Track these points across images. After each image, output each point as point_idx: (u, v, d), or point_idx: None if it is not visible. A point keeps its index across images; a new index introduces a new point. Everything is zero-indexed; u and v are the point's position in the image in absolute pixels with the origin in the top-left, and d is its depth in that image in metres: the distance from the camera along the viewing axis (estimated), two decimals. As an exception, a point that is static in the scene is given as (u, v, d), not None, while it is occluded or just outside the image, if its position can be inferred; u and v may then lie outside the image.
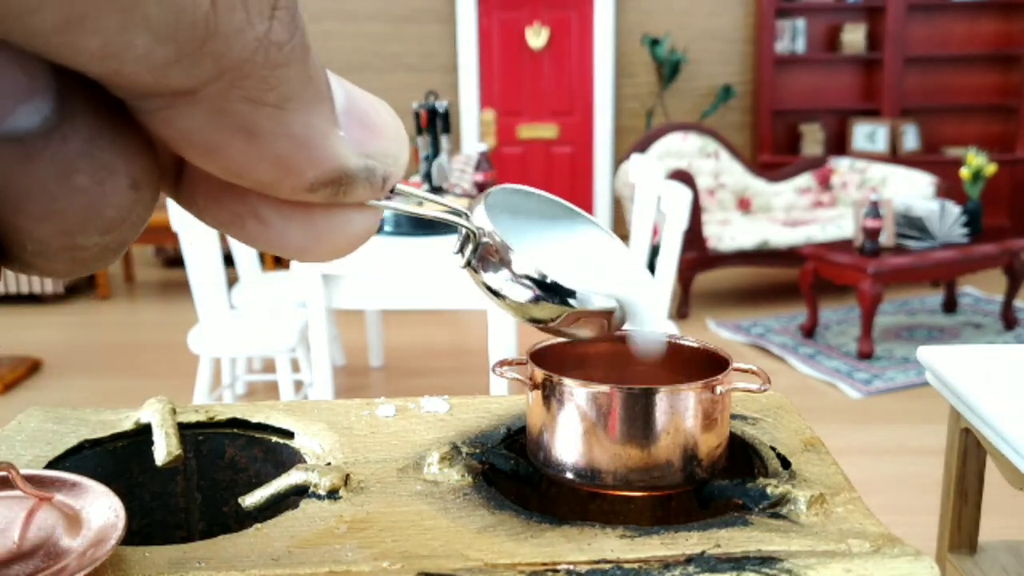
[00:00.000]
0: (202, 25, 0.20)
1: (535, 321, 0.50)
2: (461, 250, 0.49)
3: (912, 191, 5.11)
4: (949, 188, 5.09)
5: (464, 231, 0.48)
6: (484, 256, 0.49)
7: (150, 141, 0.25)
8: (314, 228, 0.27)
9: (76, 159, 0.23)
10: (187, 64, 0.21)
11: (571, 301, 0.49)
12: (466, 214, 0.48)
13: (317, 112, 0.24)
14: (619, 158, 6.59)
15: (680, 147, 5.44)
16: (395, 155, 0.28)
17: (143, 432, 0.98)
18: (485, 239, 0.48)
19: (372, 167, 0.27)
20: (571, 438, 0.83)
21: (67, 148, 0.23)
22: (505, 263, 0.48)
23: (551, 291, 0.48)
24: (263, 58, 0.22)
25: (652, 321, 0.57)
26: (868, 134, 6.37)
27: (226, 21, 0.21)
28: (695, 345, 0.93)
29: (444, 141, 3.24)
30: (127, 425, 0.99)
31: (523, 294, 0.47)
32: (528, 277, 0.47)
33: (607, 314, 0.51)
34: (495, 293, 0.49)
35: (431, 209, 0.45)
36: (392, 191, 0.30)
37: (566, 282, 0.48)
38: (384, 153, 0.27)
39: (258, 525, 0.77)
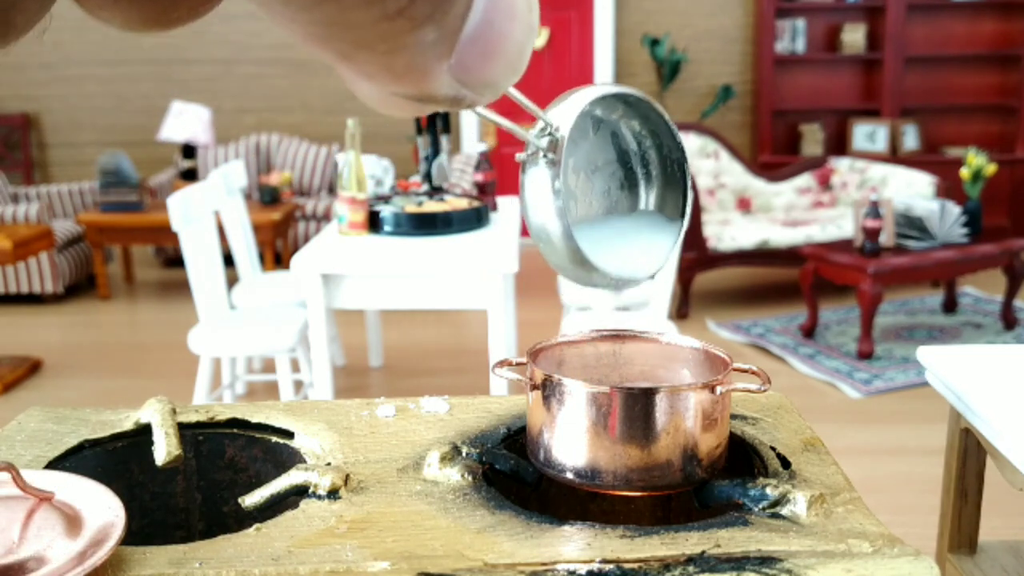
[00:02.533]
0: None
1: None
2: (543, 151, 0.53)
3: (912, 191, 5.11)
4: (949, 188, 5.09)
5: (546, 134, 0.52)
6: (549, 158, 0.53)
7: None
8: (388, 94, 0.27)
9: None
10: None
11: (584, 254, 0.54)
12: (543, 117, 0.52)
13: (436, 36, 0.24)
14: (619, 158, 6.57)
15: (680, 147, 5.44)
16: (495, 86, 0.27)
17: (143, 432, 0.98)
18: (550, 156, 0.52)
19: (461, 97, 0.26)
20: (571, 438, 0.82)
21: None
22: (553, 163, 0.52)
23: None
24: None
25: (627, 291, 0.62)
26: (868, 134, 6.37)
27: None
28: (695, 345, 0.93)
29: (444, 141, 3.24)
30: (127, 425, 0.99)
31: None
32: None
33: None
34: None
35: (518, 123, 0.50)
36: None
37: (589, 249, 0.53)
38: (485, 84, 0.27)
39: (258, 525, 0.77)
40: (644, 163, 0.60)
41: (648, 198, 0.61)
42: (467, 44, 0.25)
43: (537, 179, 0.52)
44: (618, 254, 0.57)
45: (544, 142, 0.51)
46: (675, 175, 0.60)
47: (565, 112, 0.53)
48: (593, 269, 0.54)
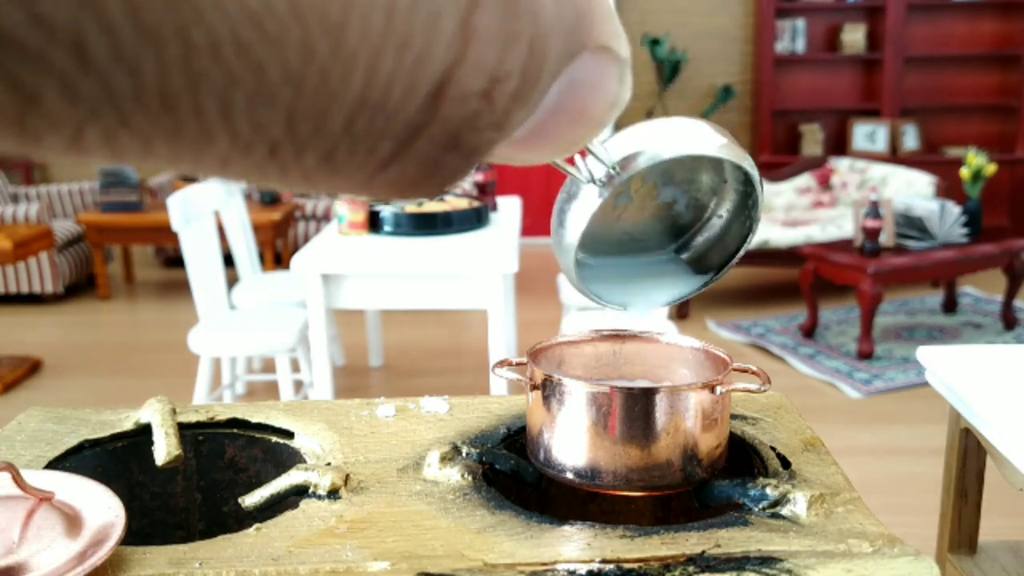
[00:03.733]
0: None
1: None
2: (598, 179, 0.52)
3: (912, 191, 5.11)
4: (949, 188, 5.09)
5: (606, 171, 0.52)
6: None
7: None
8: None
9: None
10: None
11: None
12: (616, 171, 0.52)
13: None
14: (619, 158, 6.57)
15: (680, 147, 5.44)
16: (580, 143, 0.27)
17: (143, 432, 0.98)
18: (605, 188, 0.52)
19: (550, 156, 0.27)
20: (571, 438, 0.82)
21: None
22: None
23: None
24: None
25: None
26: (868, 134, 6.37)
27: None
28: (695, 345, 0.93)
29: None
30: (127, 425, 0.99)
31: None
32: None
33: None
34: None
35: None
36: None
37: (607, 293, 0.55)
38: (572, 144, 0.26)
39: (258, 525, 0.77)
40: (705, 217, 0.60)
41: (690, 246, 0.61)
42: (551, 113, 0.24)
43: (578, 195, 0.51)
44: (626, 288, 0.58)
45: (599, 172, 0.50)
46: (733, 242, 0.60)
47: (645, 152, 0.52)
48: (592, 296, 0.55)
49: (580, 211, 0.52)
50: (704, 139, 0.53)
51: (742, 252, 0.61)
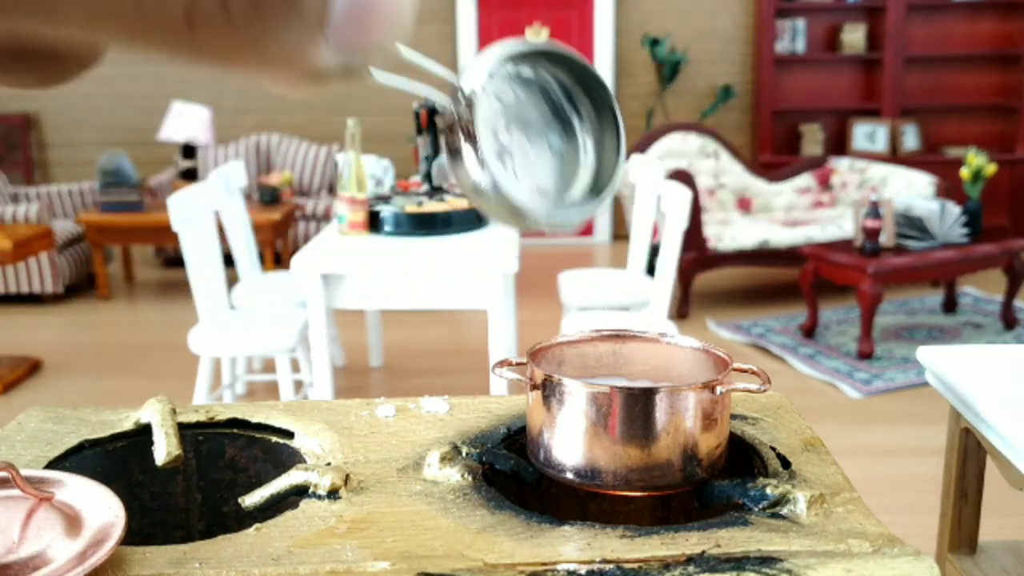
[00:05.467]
0: None
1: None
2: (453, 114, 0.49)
3: (912, 191, 5.11)
4: (949, 188, 5.09)
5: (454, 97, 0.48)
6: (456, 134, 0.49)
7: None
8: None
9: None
10: None
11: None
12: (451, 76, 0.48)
13: (299, 22, 0.25)
14: (619, 158, 6.57)
15: (680, 147, 5.44)
16: (380, 48, 0.28)
17: (143, 432, 0.98)
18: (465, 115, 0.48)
19: (351, 64, 0.27)
20: (571, 438, 0.82)
21: None
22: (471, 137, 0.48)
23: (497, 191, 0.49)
24: None
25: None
26: (868, 134, 6.37)
27: None
28: (695, 345, 0.93)
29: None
30: (127, 425, 0.99)
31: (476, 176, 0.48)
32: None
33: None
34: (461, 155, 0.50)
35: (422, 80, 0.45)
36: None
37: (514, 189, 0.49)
38: (368, 48, 0.27)
39: (258, 525, 0.77)
40: (578, 114, 0.59)
41: (586, 146, 0.60)
42: (339, 13, 0.26)
43: (461, 146, 0.49)
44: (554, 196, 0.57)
45: (459, 108, 0.49)
46: (610, 120, 0.59)
47: (476, 72, 0.50)
48: (527, 216, 0.52)
49: (468, 155, 0.49)
50: (507, 45, 0.52)
51: (621, 120, 0.59)
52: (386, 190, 3.29)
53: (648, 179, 3.58)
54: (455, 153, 0.49)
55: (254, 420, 1.00)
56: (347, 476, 0.83)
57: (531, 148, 0.56)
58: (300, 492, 0.83)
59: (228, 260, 4.23)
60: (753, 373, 0.86)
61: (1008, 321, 4.46)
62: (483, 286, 2.61)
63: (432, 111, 3.19)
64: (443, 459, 0.86)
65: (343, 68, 0.27)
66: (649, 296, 3.31)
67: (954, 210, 4.35)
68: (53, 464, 0.90)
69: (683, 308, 4.82)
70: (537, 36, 7.13)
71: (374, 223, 2.86)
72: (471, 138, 0.48)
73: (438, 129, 0.52)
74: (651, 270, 4.05)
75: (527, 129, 0.56)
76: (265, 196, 5.33)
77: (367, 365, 4.12)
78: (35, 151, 6.85)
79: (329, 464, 0.88)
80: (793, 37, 6.49)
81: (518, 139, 0.55)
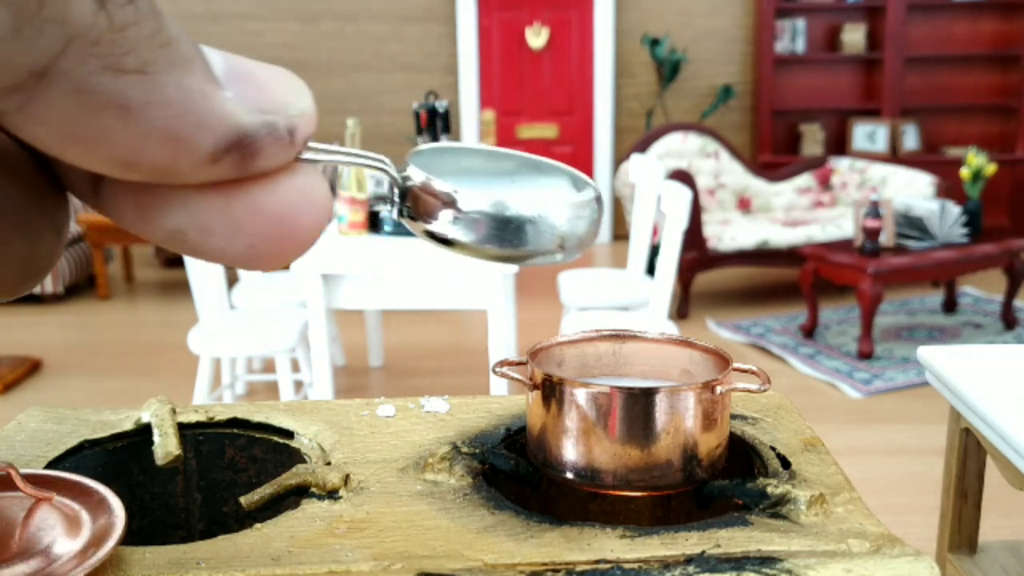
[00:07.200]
0: None
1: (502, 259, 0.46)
2: (394, 201, 0.45)
3: (912, 191, 5.11)
4: (949, 188, 5.09)
5: (390, 180, 0.44)
6: (422, 203, 0.44)
7: (60, 179, 0.25)
8: (252, 205, 0.25)
9: (10, 233, 0.24)
10: (30, 34, 0.20)
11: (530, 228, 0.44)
12: (385, 161, 0.44)
13: (189, 72, 0.23)
14: (619, 158, 6.59)
15: (680, 147, 5.44)
16: (294, 104, 0.26)
17: (143, 432, 0.98)
18: (415, 184, 0.43)
19: (271, 121, 0.25)
20: (571, 438, 0.82)
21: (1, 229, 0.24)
22: (449, 204, 0.43)
23: (509, 223, 0.43)
24: (107, 19, 0.21)
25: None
26: (868, 134, 6.37)
27: None
28: (695, 345, 0.93)
29: (444, 141, 3.24)
30: (127, 425, 0.99)
31: (476, 232, 0.43)
32: (480, 211, 0.43)
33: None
34: (444, 241, 0.45)
35: (355, 158, 0.41)
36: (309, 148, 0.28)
37: (525, 208, 0.43)
38: (280, 104, 0.25)
39: (258, 525, 0.77)
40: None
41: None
42: (228, 78, 0.24)
43: (442, 226, 0.44)
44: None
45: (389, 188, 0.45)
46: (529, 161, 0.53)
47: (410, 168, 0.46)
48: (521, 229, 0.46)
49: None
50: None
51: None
52: (386, 190, 3.29)
53: (648, 179, 3.58)
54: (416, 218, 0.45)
55: (254, 420, 1.00)
56: (347, 476, 0.83)
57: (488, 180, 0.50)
58: (300, 492, 0.83)
59: (228, 260, 4.22)
60: (753, 373, 0.86)
61: (1008, 321, 4.46)
62: (483, 286, 2.61)
63: (432, 111, 3.19)
64: (443, 459, 0.86)
65: (265, 128, 0.25)
66: (649, 296, 3.31)
67: (954, 210, 4.35)
68: (53, 464, 0.90)
69: (683, 308, 4.82)
70: (537, 37, 7.14)
71: (374, 223, 2.86)
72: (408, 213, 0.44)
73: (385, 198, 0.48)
74: (651, 270, 4.05)
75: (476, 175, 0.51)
76: (265, 196, 5.33)
77: (367, 365, 4.12)
78: (35, 151, 6.85)
79: (329, 464, 0.88)
80: (793, 37, 6.49)
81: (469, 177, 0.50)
